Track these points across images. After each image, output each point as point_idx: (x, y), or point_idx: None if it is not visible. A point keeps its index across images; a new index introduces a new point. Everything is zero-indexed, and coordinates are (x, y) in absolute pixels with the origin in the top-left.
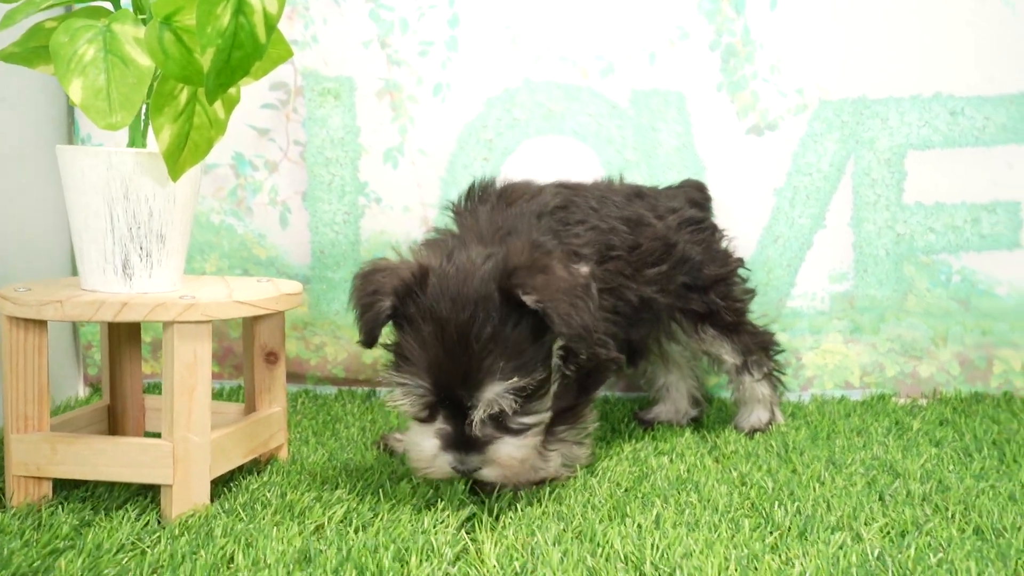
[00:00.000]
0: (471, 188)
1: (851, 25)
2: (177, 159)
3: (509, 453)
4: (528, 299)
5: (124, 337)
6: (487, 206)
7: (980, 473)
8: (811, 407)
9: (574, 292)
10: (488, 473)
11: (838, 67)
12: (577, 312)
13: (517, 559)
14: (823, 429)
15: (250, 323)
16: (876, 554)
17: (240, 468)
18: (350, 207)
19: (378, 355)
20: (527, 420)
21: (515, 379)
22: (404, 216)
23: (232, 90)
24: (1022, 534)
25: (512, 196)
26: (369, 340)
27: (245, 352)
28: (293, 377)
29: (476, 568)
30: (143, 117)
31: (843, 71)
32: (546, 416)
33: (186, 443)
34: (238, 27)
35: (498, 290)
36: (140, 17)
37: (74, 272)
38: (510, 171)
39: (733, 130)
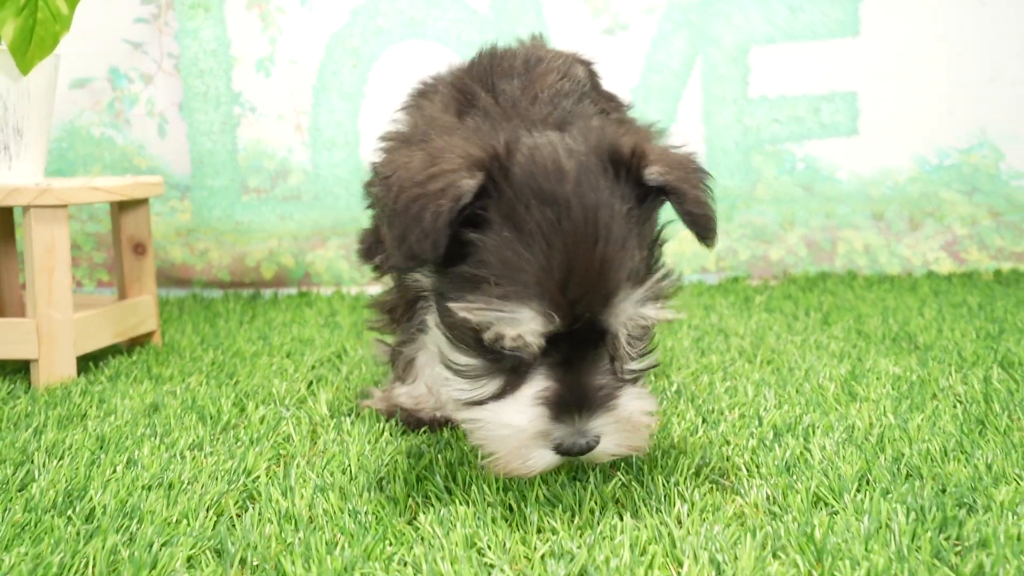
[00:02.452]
0: (481, 59)
1: None
2: (24, 52)
3: (642, 408)
4: (654, 173)
5: (2, 242)
6: (514, 82)
7: (799, 331)
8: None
9: (698, 171)
10: (608, 446)
11: None
12: (705, 194)
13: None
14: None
15: (117, 216)
16: (675, 389)
17: (112, 350)
18: (226, 116)
19: (261, 257)
20: (643, 364)
21: (658, 284)
22: (279, 124)
23: None
24: (809, 368)
25: (540, 71)
26: (435, 250)
27: (114, 244)
28: (180, 282)
29: (309, 412)
30: None
31: None
32: (657, 360)
33: (49, 320)
34: None
35: (613, 165)
36: None
37: None
38: (377, 77)
39: (588, 31)
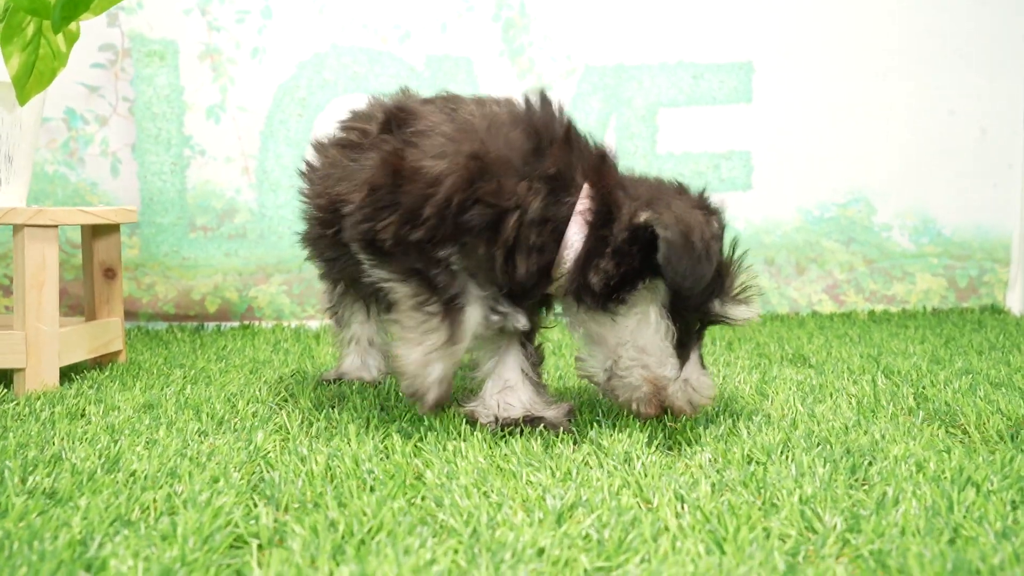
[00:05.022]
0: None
1: (610, 2)
2: (24, 85)
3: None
4: None
5: None
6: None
7: (708, 354)
8: None
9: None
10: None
11: (600, 38)
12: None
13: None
14: None
15: (89, 242)
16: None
17: (83, 366)
18: (176, 158)
19: (206, 291)
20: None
21: None
22: (227, 166)
23: (73, 26)
24: (724, 377)
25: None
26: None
27: (85, 268)
28: (127, 315)
29: (295, 408)
30: None
31: (604, 41)
32: None
33: (37, 332)
34: None
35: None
36: None
37: None
38: (321, 125)
39: (515, 91)
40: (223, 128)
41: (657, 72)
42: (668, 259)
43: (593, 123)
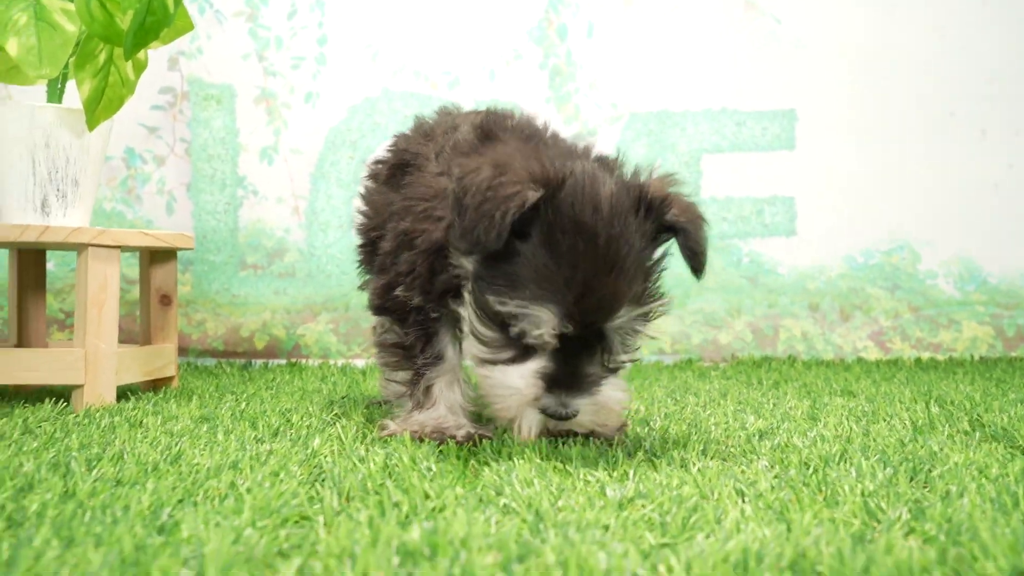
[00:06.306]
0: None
1: (655, 50)
2: (94, 111)
3: (617, 398)
4: (672, 215)
5: (32, 282)
6: (514, 140)
7: (757, 389)
8: (633, 370)
9: (702, 217)
10: (584, 419)
11: (645, 85)
12: (704, 237)
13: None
14: (640, 379)
15: (146, 268)
16: (661, 418)
17: (137, 389)
18: (230, 198)
19: (255, 328)
20: (624, 358)
21: (646, 306)
22: (278, 206)
23: (141, 55)
24: (775, 404)
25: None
26: (498, 241)
27: (141, 294)
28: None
29: (349, 422)
30: (59, 78)
31: (649, 89)
32: (637, 356)
33: (96, 350)
34: None
35: (641, 204)
36: None
37: None
38: None
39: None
40: (275, 169)
41: (701, 119)
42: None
43: None
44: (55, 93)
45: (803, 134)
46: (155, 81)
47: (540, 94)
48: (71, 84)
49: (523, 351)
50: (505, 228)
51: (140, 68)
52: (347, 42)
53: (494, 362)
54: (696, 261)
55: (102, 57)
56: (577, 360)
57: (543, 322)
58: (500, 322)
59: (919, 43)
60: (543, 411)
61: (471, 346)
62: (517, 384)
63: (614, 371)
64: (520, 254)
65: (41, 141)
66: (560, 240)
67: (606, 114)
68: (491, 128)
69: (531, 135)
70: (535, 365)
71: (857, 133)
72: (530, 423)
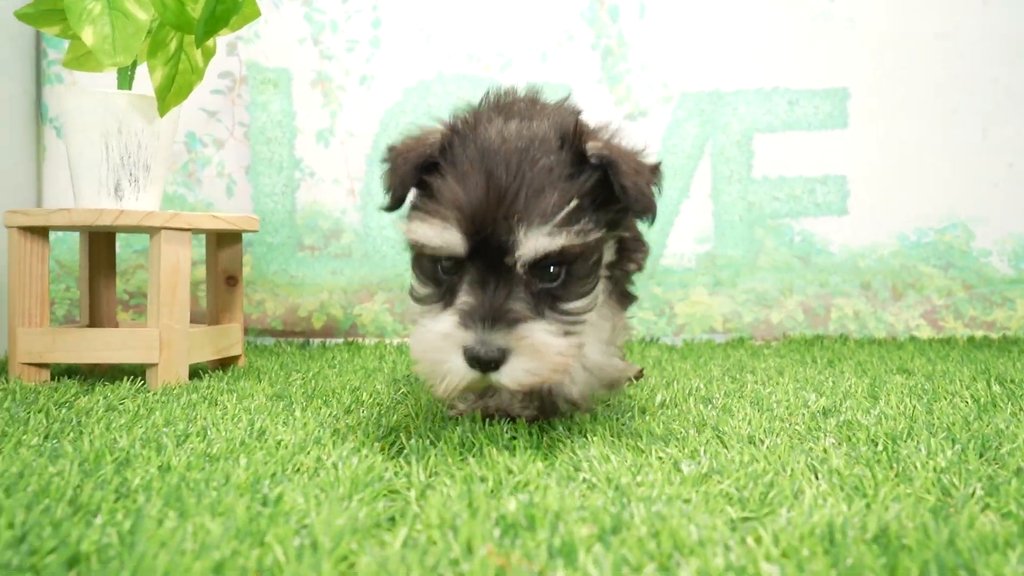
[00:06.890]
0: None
1: (706, 30)
2: (165, 97)
3: (544, 340)
4: (593, 148)
5: (103, 265)
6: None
7: (812, 367)
8: (685, 349)
9: (641, 160)
10: (512, 370)
11: (696, 65)
12: (643, 179)
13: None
14: (694, 357)
15: (213, 251)
16: (720, 397)
17: (206, 368)
18: (287, 180)
19: (312, 308)
20: (571, 306)
21: (569, 227)
22: (334, 188)
23: (210, 42)
24: (834, 382)
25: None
26: (403, 188)
27: (208, 276)
28: None
29: (416, 401)
30: (130, 65)
31: (700, 68)
32: (591, 305)
33: (170, 330)
34: None
35: (560, 137)
36: None
37: (39, 204)
38: None
39: (612, 116)
40: (332, 152)
41: (752, 98)
42: None
43: (689, 148)
44: (125, 80)
45: (855, 112)
46: (215, 66)
47: (592, 75)
48: (140, 70)
49: (448, 297)
50: (408, 174)
51: (208, 55)
52: (401, 25)
53: (423, 315)
54: (630, 199)
55: (173, 45)
56: (495, 292)
57: (440, 233)
58: (432, 271)
59: (972, 21)
60: (466, 353)
61: (411, 313)
62: (434, 327)
63: (557, 318)
64: (434, 188)
65: (114, 127)
66: (463, 163)
67: (658, 94)
68: (477, 107)
69: (506, 106)
70: (454, 305)
71: (910, 111)
72: (454, 374)
